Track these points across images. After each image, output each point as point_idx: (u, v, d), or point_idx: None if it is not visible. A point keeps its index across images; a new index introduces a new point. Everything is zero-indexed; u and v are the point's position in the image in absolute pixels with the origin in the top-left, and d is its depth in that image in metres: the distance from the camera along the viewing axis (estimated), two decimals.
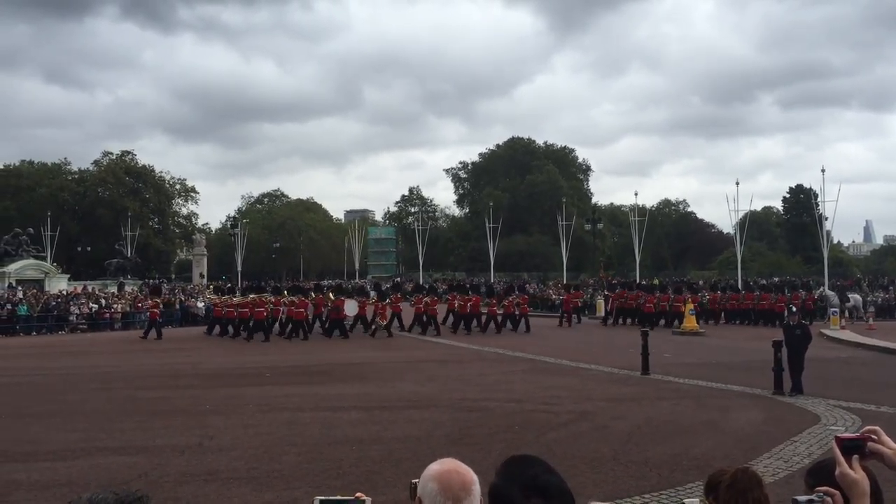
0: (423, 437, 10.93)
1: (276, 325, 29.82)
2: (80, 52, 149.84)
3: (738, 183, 50.27)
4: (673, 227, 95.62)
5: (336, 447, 10.28)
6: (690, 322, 30.17)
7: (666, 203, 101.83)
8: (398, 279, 62.97)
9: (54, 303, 37.53)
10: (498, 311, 31.59)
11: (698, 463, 9.27)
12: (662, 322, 32.55)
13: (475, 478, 2.23)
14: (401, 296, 32.58)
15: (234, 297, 31.63)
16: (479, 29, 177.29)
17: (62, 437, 11.11)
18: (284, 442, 10.64)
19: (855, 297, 38.13)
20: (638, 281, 48.73)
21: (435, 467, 2.25)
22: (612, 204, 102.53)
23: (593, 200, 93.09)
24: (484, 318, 30.80)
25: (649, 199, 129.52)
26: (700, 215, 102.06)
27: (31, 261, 46.50)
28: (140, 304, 39.12)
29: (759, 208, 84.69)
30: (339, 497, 2.37)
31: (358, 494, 2.39)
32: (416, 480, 2.40)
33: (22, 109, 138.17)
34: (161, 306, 32.10)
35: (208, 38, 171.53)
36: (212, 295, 35.72)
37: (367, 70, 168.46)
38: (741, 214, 51.66)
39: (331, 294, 31.45)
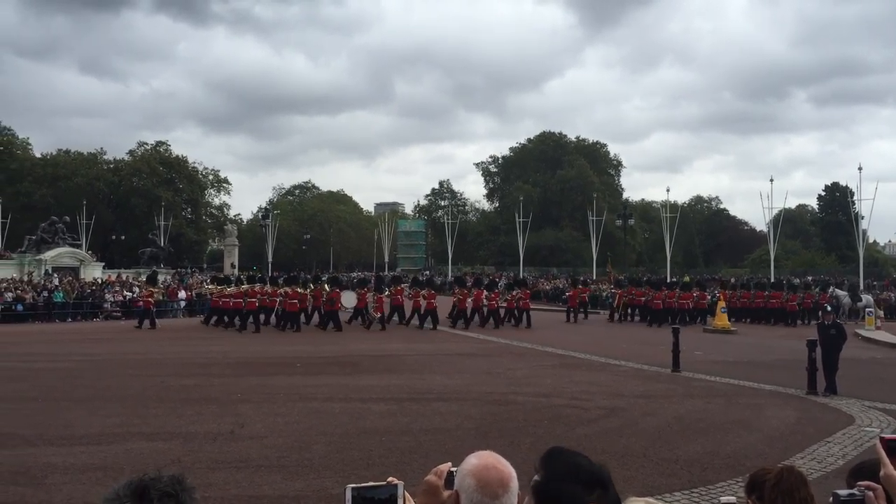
0: (451, 430, 10.95)
1: (273, 316, 29.76)
2: (116, 44, 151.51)
3: (772, 180, 49.74)
4: (705, 223, 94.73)
5: (365, 438, 10.33)
6: (721, 320, 29.87)
7: (698, 199, 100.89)
8: (397, 271, 62.93)
9: (89, 290, 38.12)
10: (500, 305, 31.41)
11: (730, 462, 9.19)
12: (669, 319, 32.05)
13: (513, 473, 2.21)
14: (401, 288, 32.26)
15: (229, 287, 31.56)
16: (509, 23, 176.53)
17: (97, 421, 11.29)
18: (314, 431, 10.71)
19: (867, 298, 37.63)
20: (668, 278, 48.43)
21: (473, 461, 2.23)
22: (643, 200, 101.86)
23: (624, 196, 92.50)
24: (485, 312, 30.52)
25: (680, 196, 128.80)
26: (732, 212, 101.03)
27: (67, 249, 47.20)
28: (173, 294, 39.68)
29: (793, 206, 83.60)
30: (370, 483, 2.37)
31: (390, 479, 2.39)
32: (454, 469, 2.39)
33: (59, 100, 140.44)
34: (156, 296, 32.02)
35: (240, 31, 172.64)
36: (210, 285, 35.62)
37: (398, 63, 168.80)
38: (775, 212, 51.08)
39: (326, 286, 31.19)
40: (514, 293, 31.98)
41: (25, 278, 39.61)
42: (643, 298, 33.79)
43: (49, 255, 44.69)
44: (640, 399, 13.70)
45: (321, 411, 12.21)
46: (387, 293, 31.24)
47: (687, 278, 48.87)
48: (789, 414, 12.58)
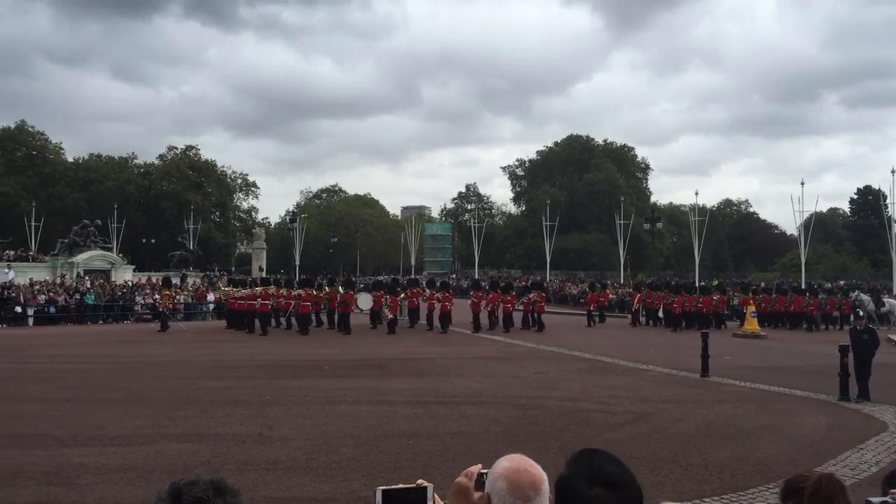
0: (478, 433, 10.94)
1: (285, 318, 29.82)
2: (147, 50, 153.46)
3: (803, 183, 48.97)
4: (734, 227, 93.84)
5: (392, 441, 10.35)
6: (751, 324, 29.54)
7: (727, 203, 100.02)
8: (424, 275, 62.96)
9: (120, 293, 38.61)
10: (517, 308, 31.25)
11: (761, 468, 9.09)
12: (683, 323, 31.81)
13: (545, 476, 2.22)
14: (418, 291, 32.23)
15: (244, 289, 31.65)
16: (535, 27, 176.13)
17: (128, 423, 11.42)
18: (342, 434, 10.75)
19: (890, 302, 37.15)
20: (696, 282, 48.00)
21: (504, 464, 2.23)
22: (671, 203, 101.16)
23: (652, 199, 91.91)
24: (501, 316, 30.36)
25: (708, 199, 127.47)
26: (762, 216, 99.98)
27: (99, 252, 47.81)
28: (203, 296, 40.03)
29: (824, 209, 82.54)
30: (400, 486, 2.38)
31: (419, 482, 2.40)
32: (485, 471, 2.40)
33: (91, 105, 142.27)
34: (176, 298, 32.38)
35: (268, 37, 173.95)
36: (226, 287, 35.69)
37: (425, 68, 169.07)
38: (806, 215, 50.42)
39: (340, 288, 31.18)
40: (530, 297, 31.72)
41: (58, 281, 40.18)
42: (662, 302, 33.40)
43: (81, 258, 45.31)
44: (669, 404, 13.60)
45: (349, 414, 12.26)
46: (402, 296, 31.28)
47: (716, 282, 48.47)
48: (821, 420, 12.42)
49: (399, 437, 10.62)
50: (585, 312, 35.04)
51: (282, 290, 30.51)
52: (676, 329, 31.15)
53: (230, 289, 34.32)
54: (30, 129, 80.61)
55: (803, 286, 42.66)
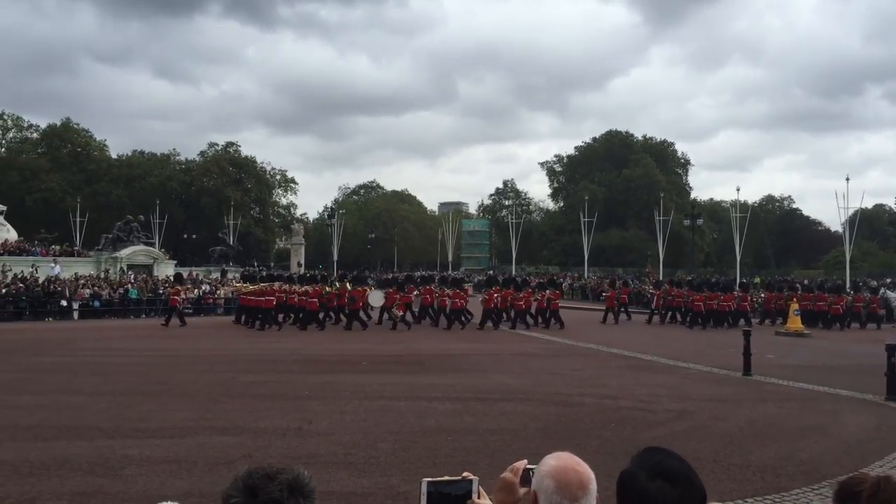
0: (517, 430, 10.90)
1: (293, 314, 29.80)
2: (188, 49, 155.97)
3: (848, 179, 48.00)
4: (776, 223, 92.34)
5: (430, 436, 10.36)
6: (795, 323, 29.04)
7: (769, 199, 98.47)
8: (461, 272, 62.95)
9: (162, 287, 39.19)
10: (534, 303, 30.88)
11: (805, 468, 8.93)
12: (710, 321, 31.34)
13: (592, 475, 2.20)
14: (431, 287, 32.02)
15: (249, 284, 31.50)
16: (572, 23, 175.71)
17: (170, 415, 11.59)
18: (380, 429, 10.79)
19: None
20: (738, 280, 47.34)
21: (552, 462, 2.22)
22: (711, 199, 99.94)
23: (692, 195, 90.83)
24: (513, 313, 30.16)
25: (750, 195, 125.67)
26: (805, 212, 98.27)
27: (142, 247, 48.62)
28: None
29: (869, 206, 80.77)
30: (446, 478, 2.38)
31: (465, 474, 2.39)
32: (531, 467, 2.38)
33: (135, 103, 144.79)
34: (183, 293, 32.11)
35: (306, 35, 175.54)
36: (237, 283, 35.66)
37: (461, 64, 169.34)
38: (851, 212, 49.41)
39: (348, 284, 31.02)
40: (545, 294, 31.23)
41: (102, 275, 40.94)
42: (682, 299, 32.76)
43: (124, 253, 46.11)
44: (710, 402, 13.42)
45: (387, 409, 12.30)
46: (416, 293, 31.23)
47: (757, 280, 47.74)
48: (867, 420, 12.16)
49: (437, 432, 10.62)
50: (604, 309, 34.31)
51: (285, 286, 30.30)
52: (693, 327, 30.60)
53: (241, 284, 34.26)
54: (75, 127, 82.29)
55: (848, 284, 41.83)
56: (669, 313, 33.60)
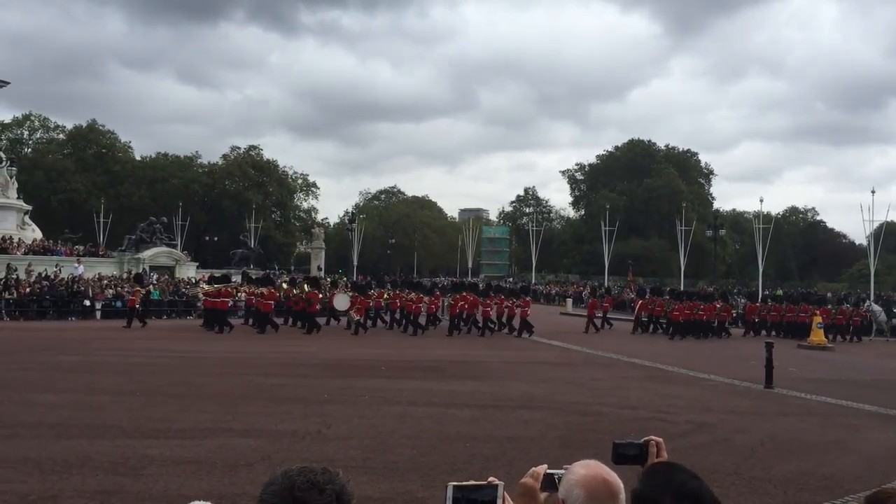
0: (535, 438, 10.87)
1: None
2: (213, 54, 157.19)
3: (873, 191, 47.42)
4: (800, 235, 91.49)
5: (449, 443, 10.36)
6: (818, 336, 28.74)
7: (793, 211, 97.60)
8: (480, 278, 62.85)
9: (184, 289, 39.44)
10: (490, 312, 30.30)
11: (827, 483, 8.84)
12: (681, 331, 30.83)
13: (622, 485, 2.18)
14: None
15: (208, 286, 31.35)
16: (593, 34, 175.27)
17: (191, 416, 11.67)
18: (398, 435, 10.79)
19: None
20: (760, 292, 46.92)
21: (581, 472, 2.19)
22: (734, 210, 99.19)
23: (714, 206, 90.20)
24: (481, 319, 29.65)
25: (771, 207, 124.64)
26: (829, 225, 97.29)
27: (164, 248, 48.88)
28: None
29: (894, 219, 79.73)
30: (472, 482, 2.37)
31: (491, 479, 2.39)
32: (552, 472, 2.36)
33: (159, 107, 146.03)
34: (142, 294, 31.35)
35: (328, 42, 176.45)
36: (205, 285, 35.38)
37: (482, 73, 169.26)
38: (876, 225, 48.81)
39: (305, 286, 30.79)
40: (514, 301, 30.62)
41: (125, 276, 41.25)
42: (664, 309, 32.17)
43: (147, 254, 46.39)
44: (731, 415, 13.31)
45: (405, 415, 12.30)
46: (386, 297, 31.18)
47: (780, 292, 47.31)
48: (890, 435, 12.02)
49: (456, 439, 10.61)
50: (587, 317, 33.20)
51: (244, 288, 30.33)
52: (673, 337, 30.15)
53: (206, 286, 33.91)
54: (100, 128, 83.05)
55: (871, 297, 41.38)
56: (652, 323, 33.07)
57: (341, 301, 29.92)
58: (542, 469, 2.40)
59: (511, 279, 77.12)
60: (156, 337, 25.76)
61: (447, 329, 29.03)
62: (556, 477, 2.37)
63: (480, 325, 29.47)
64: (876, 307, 37.15)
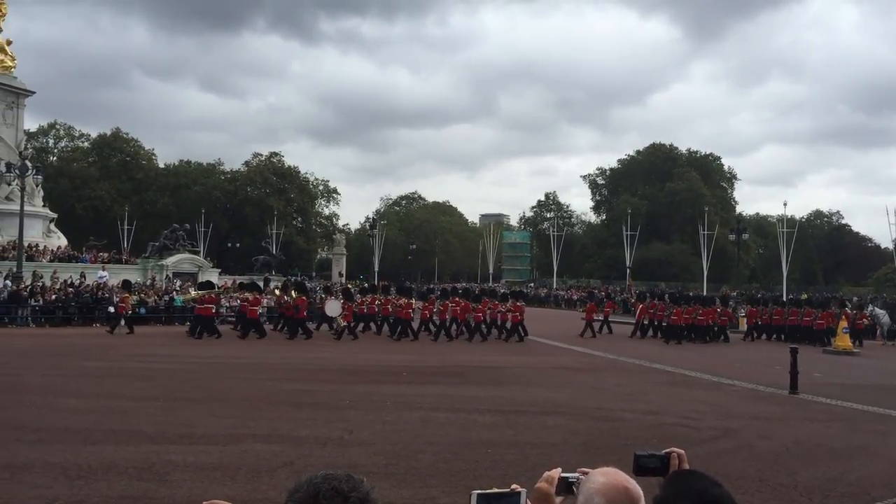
0: (558, 444, 10.83)
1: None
2: (235, 63, 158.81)
3: None
4: (825, 239, 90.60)
5: (471, 449, 10.34)
6: (843, 341, 28.42)
7: (817, 214, 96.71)
8: (501, 283, 62.66)
9: (231, 296, 39.64)
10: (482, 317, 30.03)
11: (854, 490, 8.73)
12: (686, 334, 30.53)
13: (641, 492, 2.17)
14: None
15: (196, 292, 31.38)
16: (612, 39, 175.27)
17: (214, 422, 11.74)
18: (421, 440, 10.79)
19: None
20: (784, 296, 46.49)
21: (601, 479, 2.19)
22: (757, 214, 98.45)
23: (737, 210, 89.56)
24: (472, 324, 29.32)
25: (794, 210, 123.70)
26: (854, 228, 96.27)
27: (187, 255, 49.27)
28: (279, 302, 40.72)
29: None
30: (495, 489, 2.38)
31: (514, 486, 2.39)
32: (566, 475, 2.36)
33: (182, 115, 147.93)
34: (132, 300, 31.30)
35: (347, 50, 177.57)
36: (193, 291, 35.30)
37: (501, 78, 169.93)
38: None
39: (293, 292, 30.77)
40: (507, 305, 30.45)
41: (148, 282, 41.61)
42: (664, 313, 31.77)
43: (170, 260, 46.79)
44: (755, 420, 13.19)
45: (427, 421, 12.30)
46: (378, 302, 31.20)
47: (805, 296, 46.85)
48: None
49: (478, 445, 10.59)
50: (586, 321, 32.64)
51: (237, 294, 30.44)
52: (669, 341, 29.76)
53: (197, 292, 33.87)
54: (124, 137, 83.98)
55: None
56: (651, 327, 32.72)
57: (333, 307, 29.93)
58: (557, 473, 2.41)
59: (532, 284, 76.96)
60: (177, 343, 25.97)
61: (433, 334, 28.97)
62: (570, 480, 2.38)
63: (471, 329, 29.20)
64: (879, 311, 36.85)
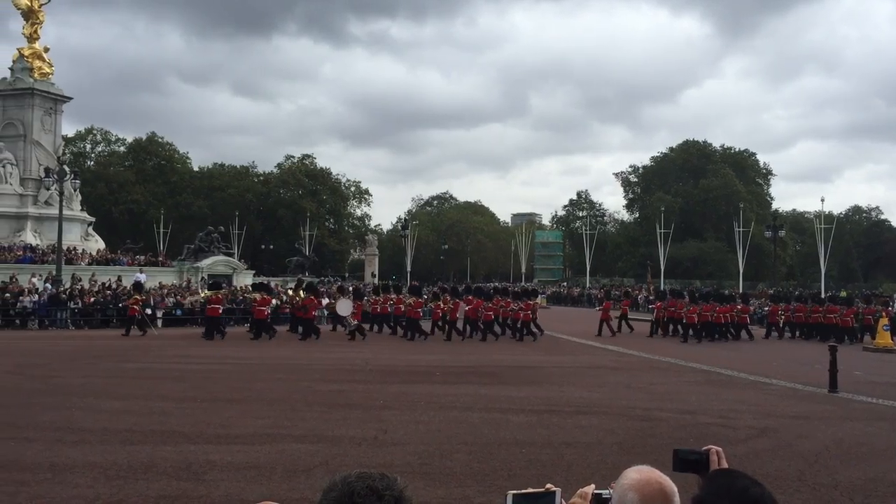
0: (593, 444, 10.76)
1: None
2: (267, 66, 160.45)
3: None
4: (863, 235, 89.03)
5: (506, 448, 10.32)
6: (884, 338, 27.91)
7: (856, 210, 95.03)
8: (533, 283, 62.46)
9: (241, 297, 40.07)
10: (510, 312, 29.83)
11: None
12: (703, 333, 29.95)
13: (675, 489, 2.16)
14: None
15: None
16: (643, 36, 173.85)
17: (250, 422, 11.85)
18: (455, 440, 10.79)
19: None
20: (822, 293, 45.75)
21: (633, 476, 2.18)
22: (794, 210, 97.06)
23: (773, 206, 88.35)
24: (483, 324, 29.00)
25: (831, 206, 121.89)
26: (893, 224, 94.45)
27: (222, 257, 49.79)
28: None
29: None
30: (530, 490, 2.38)
31: (548, 486, 2.39)
32: (600, 492, 2.37)
33: (214, 119, 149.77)
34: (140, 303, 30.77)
35: (377, 52, 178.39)
36: (208, 291, 35.36)
37: (532, 78, 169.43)
38: None
39: (301, 292, 30.72)
40: (518, 304, 30.03)
41: (184, 284, 42.14)
42: (682, 311, 31.06)
43: (205, 263, 47.32)
44: (794, 420, 13.00)
45: (461, 420, 12.30)
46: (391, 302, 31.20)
47: (843, 293, 46.11)
48: None
49: (512, 445, 10.57)
50: (601, 320, 31.97)
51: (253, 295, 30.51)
52: (687, 339, 29.30)
53: (208, 293, 33.71)
54: (159, 141, 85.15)
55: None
56: (671, 325, 32.13)
57: (344, 306, 29.98)
58: (591, 489, 2.41)
59: (565, 283, 76.63)
60: (211, 344, 26.24)
61: (446, 334, 28.83)
62: (605, 497, 2.38)
63: (478, 328, 29.08)
64: None
